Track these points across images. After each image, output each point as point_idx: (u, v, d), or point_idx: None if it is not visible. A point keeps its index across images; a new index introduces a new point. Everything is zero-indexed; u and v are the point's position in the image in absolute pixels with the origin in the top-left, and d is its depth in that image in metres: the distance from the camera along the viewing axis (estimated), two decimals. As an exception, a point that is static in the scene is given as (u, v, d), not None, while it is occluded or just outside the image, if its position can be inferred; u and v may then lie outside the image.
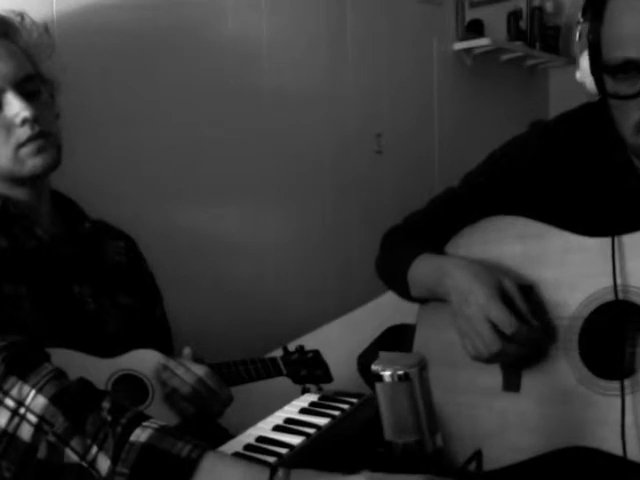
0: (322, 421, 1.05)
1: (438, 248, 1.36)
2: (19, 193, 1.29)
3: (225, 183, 2.00)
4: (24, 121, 1.23)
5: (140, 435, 0.88)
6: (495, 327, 1.15)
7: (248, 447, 0.98)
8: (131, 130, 1.72)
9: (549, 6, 3.12)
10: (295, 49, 2.18)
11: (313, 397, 1.18)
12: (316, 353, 1.53)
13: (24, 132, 1.24)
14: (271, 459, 0.93)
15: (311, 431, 1.02)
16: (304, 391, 1.45)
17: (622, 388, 1.07)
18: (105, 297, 1.33)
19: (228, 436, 1.44)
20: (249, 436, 1.03)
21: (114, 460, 0.86)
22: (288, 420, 1.07)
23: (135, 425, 0.89)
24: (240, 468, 0.86)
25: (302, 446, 0.97)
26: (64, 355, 1.19)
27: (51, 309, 1.24)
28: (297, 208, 2.21)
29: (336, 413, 1.08)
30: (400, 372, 0.85)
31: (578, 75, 1.19)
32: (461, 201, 1.38)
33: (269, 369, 1.44)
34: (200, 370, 1.28)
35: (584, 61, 1.16)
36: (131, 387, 1.25)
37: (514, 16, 3.07)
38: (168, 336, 1.49)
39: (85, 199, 1.46)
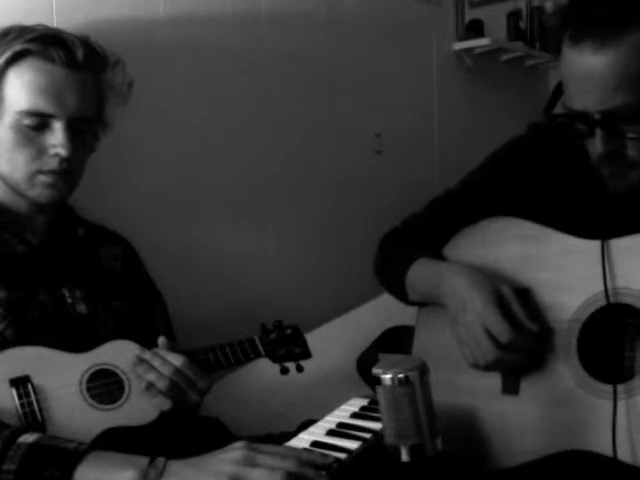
0: (376, 425, 1.05)
1: (437, 250, 1.36)
2: (18, 202, 1.31)
3: (225, 183, 2.00)
4: (56, 155, 1.25)
5: (28, 438, 0.98)
6: (491, 336, 1.15)
7: None
8: (127, 140, 1.72)
9: (549, 6, 3.12)
10: (294, 47, 2.18)
11: (363, 401, 1.19)
12: (295, 329, 1.49)
13: (51, 163, 1.26)
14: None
15: (367, 435, 1.02)
16: (283, 371, 1.45)
17: (615, 392, 1.07)
18: (98, 301, 1.33)
19: (221, 426, 1.45)
20: (303, 440, 1.03)
21: (0, 460, 0.94)
22: (341, 425, 1.08)
23: (23, 432, 0.99)
24: (123, 456, 0.96)
25: (360, 450, 0.98)
26: (38, 353, 1.20)
27: (39, 312, 1.25)
28: (297, 208, 2.21)
29: None
30: (401, 375, 0.86)
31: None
32: (460, 203, 1.38)
33: (247, 352, 1.39)
34: (177, 360, 1.26)
35: None
36: (107, 382, 1.24)
37: (514, 16, 3.07)
38: (170, 331, 1.50)
39: (88, 202, 1.47)
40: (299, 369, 1.47)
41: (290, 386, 1.66)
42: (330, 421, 1.10)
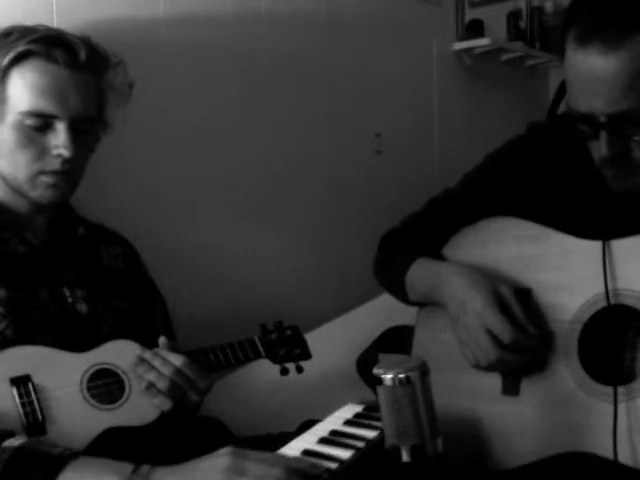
0: (370, 434, 1.03)
1: (435, 251, 1.35)
2: (18, 202, 1.31)
3: (225, 183, 2.00)
4: (59, 156, 1.25)
5: (14, 442, 0.98)
6: (493, 336, 1.14)
7: None
8: (127, 140, 1.72)
9: (549, 6, 3.12)
10: (294, 47, 2.18)
11: (357, 408, 1.16)
12: (295, 329, 1.49)
13: (53, 163, 1.26)
14: None
15: (360, 444, 1.00)
16: (282, 372, 1.45)
17: (615, 394, 1.07)
18: (99, 301, 1.33)
19: (221, 425, 1.45)
20: (294, 449, 1.01)
21: None
22: (334, 432, 1.06)
23: (8, 436, 0.99)
24: (108, 462, 0.96)
25: (353, 460, 0.96)
26: (39, 352, 1.20)
27: (40, 311, 1.25)
28: (297, 208, 2.21)
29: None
30: (402, 376, 0.86)
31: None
32: (459, 203, 1.38)
33: (247, 352, 1.39)
34: (177, 360, 1.25)
35: None
36: (108, 382, 1.24)
37: (514, 16, 3.07)
38: (171, 331, 1.50)
39: (88, 202, 1.47)
40: (299, 370, 1.47)
41: (290, 386, 1.66)
42: (323, 428, 1.08)
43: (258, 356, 1.42)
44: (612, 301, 1.11)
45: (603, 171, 1.15)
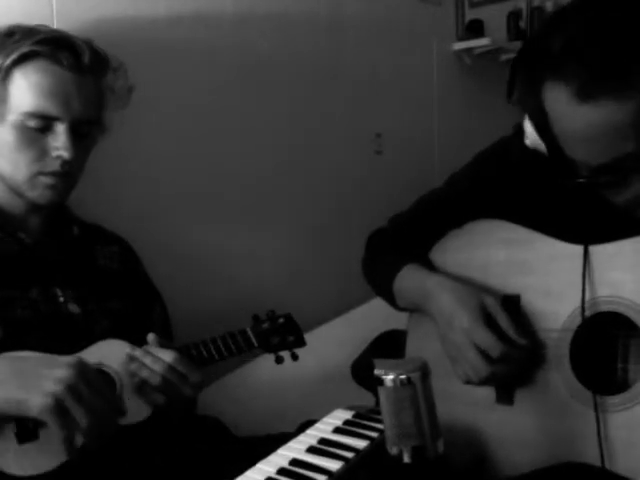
0: (360, 443, 1.02)
1: (423, 253, 1.34)
2: (14, 202, 1.31)
3: (224, 183, 2.00)
4: (59, 157, 1.25)
5: None
6: (482, 352, 1.13)
7: (282, 471, 0.96)
8: (126, 140, 1.73)
9: (549, 6, 3.12)
10: (294, 48, 2.18)
11: (346, 414, 1.14)
12: (288, 317, 1.47)
13: (53, 165, 1.26)
14: None
15: (349, 455, 0.98)
16: (277, 360, 1.44)
17: (595, 404, 1.06)
18: (93, 301, 1.33)
19: (220, 425, 1.44)
20: (282, 457, 1.00)
21: None
22: (323, 441, 1.04)
23: None
24: None
25: (341, 473, 0.95)
26: (29, 357, 1.18)
27: (30, 310, 1.24)
28: (297, 208, 2.21)
29: (373, 434, 1.05)
30: (403, 377, 0.86)
31: (528, 142, 1.11)
32: (447, 204, 1.36)
33: (239, 343, 1.38)
34: (168, 356, 1.24)
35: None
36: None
37: (514, 16, 3.07)
38: (169, 331, 1.49)
39: (87, 202, 1.47)
40: (294, 357, 1.46)
41: (290, 386, 1.66)
42: (312, 435, 1.06)
43: (251, 347, 1.40)
44: (602, 308, 1.09)
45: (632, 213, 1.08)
